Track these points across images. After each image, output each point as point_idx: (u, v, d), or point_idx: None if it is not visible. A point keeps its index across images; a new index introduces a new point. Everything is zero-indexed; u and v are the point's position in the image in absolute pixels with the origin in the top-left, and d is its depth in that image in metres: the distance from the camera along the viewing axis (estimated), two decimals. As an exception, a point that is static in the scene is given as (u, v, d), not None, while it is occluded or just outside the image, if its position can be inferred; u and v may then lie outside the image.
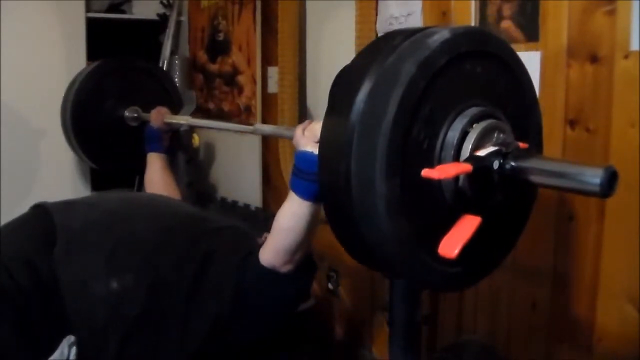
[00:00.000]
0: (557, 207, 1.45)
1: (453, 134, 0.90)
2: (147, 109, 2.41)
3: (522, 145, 0.92)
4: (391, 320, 1.40)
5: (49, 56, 2.89)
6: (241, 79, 2.82)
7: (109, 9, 3.23)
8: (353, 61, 0.96)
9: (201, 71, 3.15)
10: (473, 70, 0.94)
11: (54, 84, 2.80)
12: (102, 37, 3.07)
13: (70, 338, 1.24)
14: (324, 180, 0.94)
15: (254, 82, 2.71)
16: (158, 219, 1.46)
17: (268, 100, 2.64)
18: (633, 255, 1.29)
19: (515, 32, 1.52)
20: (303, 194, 1.21)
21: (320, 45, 2.35)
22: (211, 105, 3.08)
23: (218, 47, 2.99)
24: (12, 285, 1.23)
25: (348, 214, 0.89)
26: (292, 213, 1.25)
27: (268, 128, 1.66)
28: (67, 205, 1.46)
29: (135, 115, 2.55)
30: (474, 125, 0.91)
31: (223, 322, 1.33)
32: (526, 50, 1.49)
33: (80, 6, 2.94)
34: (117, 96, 2.56)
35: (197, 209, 1.69)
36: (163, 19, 3.28)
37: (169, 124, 2.26)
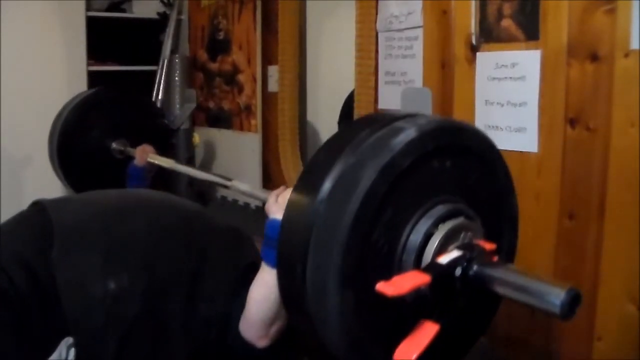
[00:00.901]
0: (557, 206, 1.44)
1: (416, 238, 0.86)
2: (136, 141, 2.40)
3: (489, 246, 0.88)
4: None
5: (49, 55, 2.89)
6: (241, 77, 2.82)
7: (109, 8, 3.23)
8: (318, 155, 0.91)
9: (201, 70, 3.15)
10: (442, 166, 0.90)
11: (54, 84, 2.81)
12: (103, 36, 3.07)
13: (69, 340, 1.23)
14: (280, 276, 0.91)
15: (254, 81, 2.71)
16: (156, 217, 1.46)
17: (268, 99, 2.64)
18: (633, 255, 1.29)
19: (516, 31, 1.51)
20: (274, 263, 1.19)
21: (320, 44, 2.35)
22: (211, 104, 3.08)
23: (218, 46, 2.99)
24: (9, 287, 1.22)
25: (303, 310, 0.86)
26: (264, 283, 1.22)
27: (244, 187, 1.63)
28: (64, 203, 1.45)
29: (122, 148, 2.52)
30: (439, 226, 0.86)
31: (218, 323, 1.32)
32: (526, 49, 1.49)
33: (81, 5, 2.95)
34: (105, 127, 2.54)
35: (195, 205, 1.68)
36: (163, 18, 3.28)
37: (152, 164, 2.25)
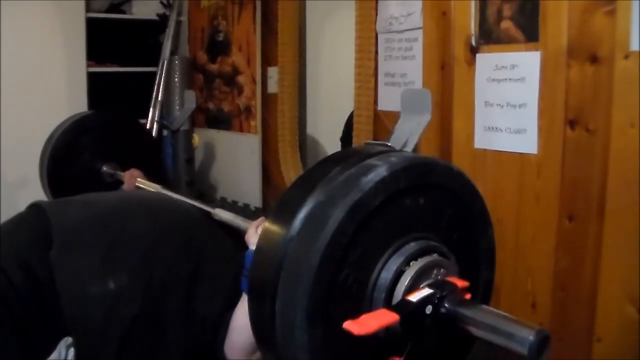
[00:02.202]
0: (557, 205, 1.45)
1: (386, 275, 0.85)
2: (126, 164, 2.39)
3: (461, 284, 0.88)
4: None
5: (48, 56, 2.89)
6: (241, 79, 2.83)
7: (109, 9, 3.23)
8: (291, 189, 0.92)
9: (201, 71, 3.15)
10: (414, 204, 0.89)
11: (54, 84, 2.81)
12: (102, 37, 3.07)
13: (68, 339, 1.23)
14: (251, 311, 0.91)
15: (254, 82, 2.72)
16: (153, 218, 1.46)
17: (268, 101, 2.64)
18: (633, 255, 1.29)
19: (515, 33, 1.52)
20: None
21: (320, 45, 2.35)
22: (211, 106, 3.08)
23: (218, 47, 2.99)
24: (8, 287, 1.22)
25: (272, 349, 0.86)
26: (245, 312, 1.24)
27: (226, 215, 1.65)
28: (63, 205, 1.45)
29: (112, 172, 2.50)
30: (411, 264, 0.86)
31: (216, 323, 1.33)
32: (526, 50, 1.49)
33: (80, 6, 2.95)
34: (95, 151, 2.51)
35: (192, 206, 1.68)
36: (163, 19, 3.28)
37: (140, 188, 2.25)
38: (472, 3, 1.61)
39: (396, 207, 0.86)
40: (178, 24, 3.26)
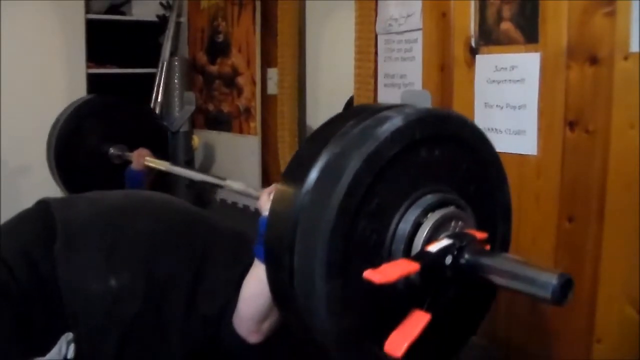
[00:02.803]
0: (557, 206, 1.45)
1: (404, 227, 0.84)
2: (133, 146, 2.41)
3: (480, 235, 0.88)
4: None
5: (48, 58, 2.89)
6: (241, 80, 2.83)
7: (109, 11, 3.23)
8: (305, 144, 0.93)
9: (201, 72, 3.16)
10: (430, 155, 0.88)
11: (54, 86, 2.81)
12: (102, 38, 3.07)
13: (69, 335, 1.23)
14: (269, 268, 0.90)
15: (254, 83, 2.72)
16: (157, 217, 1.46)
17: (267, 102, 2.64)
18: (633, 256, 1.29)
19: (515, 34, 1.52)
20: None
21: (320, 46, 2.35)
22: (211, 107, 3.08)
23: (218, 49, 3.00)
24: (11, 281, 1.22)
25: (291, 306, 0.86)
26: (257, 279, 1.22)
27: (237, 185, 1.64)
28: (69, 201, 1.46)
29: (120, 153, 2.53)
30: (428, 215, 0.85)
31: (217, 323, 1.33)
32: (526, 51, 1.49)
33: (80, 7, 2.95)
34: (102, 133, 2.54)
35: (197, 207, 1.69)
36: (162, 21, 3.28)
37: (149, 167, 2.26)
38: (472, 4, 1.62)
39: (412, 158, 0.86)
40: (178, 25, 3.26)
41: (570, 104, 1.41)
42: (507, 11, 1.54)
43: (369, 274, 0.77)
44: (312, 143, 0.90)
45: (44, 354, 1.22)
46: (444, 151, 0.90)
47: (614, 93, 1.31)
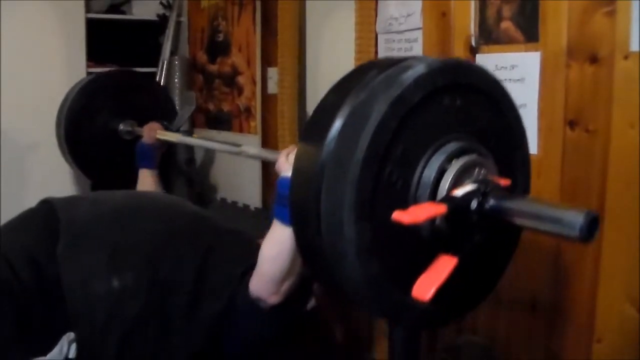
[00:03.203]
0: (557, 207, 1.45)
1: (429, 172, 0.87)
2: (143, 121, 2.43)
3: (503, 182, 0.89)
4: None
5: (49, 56, 2.89)
6: (241, 79, 2.83)
7: (109, 10, 3.23)
8: (327, 95, 0.93)
9: (201, 72, 3.15)
10: (452, 104, 0.90)
11: (53, 85, 2.80)
12: (102, 37, 3.07)
13: (70, 335, 1.24)
14: (295, 217, 0.91)
15: (254, 82, 2.72)
16: (161, 218, 1.47)
17: (268, 101, 2.64)
18: (633, 255, 1.29)
19: (515, 33, 1.52)
20: (285, 220, 1.19)
21: (320, 45, 2.35)
22: (211, 106, 3.08)
23: (218, 48, 2.99)
24: (13, 280, 1.23)
25: (319, 253, 0.87)
26: (276, 240, 1.24)
27: (254, 150, 1.66)
28: (72, 201, 1.46)
29: (130, 129, 2.55)
30: (452, 162, 0.87)
31: (220, 323, 1.33)
32: (526, 50, 1.49)
33: (80, 7, 2.94)
34: (111, 109, 2.57)
35: (199, 208, 1.69)
36: (163, 20, 3.28)
37: (161, 140, 2.27)
38: (472, 3, 1.62)
39: (435, 105, 0.88)
40: (178, 24, 3.26)
41: (570, 103, 1.41)
42: (507, 10, 1.54)
43: (397, 215, 0.79)
44: (335, 93, 0.92)
45: (45, 353, 1.22)
46: (465, 100, 0.92)
47: (614, 92, 1.31)
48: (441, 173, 0.87)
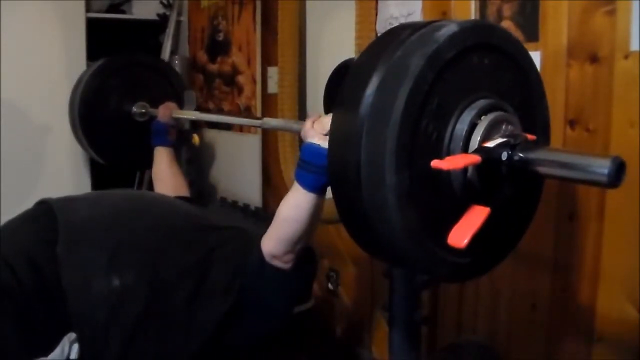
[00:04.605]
0: (557, 206, 1.45)
1: (462, 126, 0.91)
2: (154, 103, 2.45)
3: (529, 137, 0.93)
4: (391, 319, 1.40)
5: (49, 56, 2.89)
6: (241, 79, 2.83)
7: (109, 9, 3.23)
8: (361, 55, 0.97)
9: (201, 71, 3.16)
10: (480, 63, 0.95)
11: (54, 85, 2.81)
12: (102, 37, 3.07)
13: (71, 335, 1.24)
14: (334, 172, 0.95)
15: (254, 82, 2.72)
16: (161, 217, 1.47)
17: (268, 101, 2.64)
18: (633, 255, 1.29)
19: (515, 32, 1.52)
20: (307, 186, 1.21)
21: (320, 45, 2.35)
22: (211, 106, 3.08)
23: (218, 47, 2.99)
24: (13, 281, 1.23)
25: (358, 206, 0.90)
26: (296, 204, 1.25)
27: (276, 122, 1.68)
28: (71, 202, 1.46)
29: (143, 110, 2.59)
30: (482, 117, 0.92)
31: (226, 321, 1.33)
32: (526, 50, 1.49)
33: (80, 6, 2.94)
34: (124, 92, 2.60)
35: (200, 207, 1.69)
36: (163, 19, 3.28)
37: (177, 119, 2.30)
38: (472, 3, 1.62)
39: (466, 63, 0.92)
40: (178, 24, 3.26)
41: (570, 103, 1.41)
42: (507, 10, 1.54)
43: (437, 163, 0.84)
44: (369, 53, 0.96)
45: (46, 354, 1.22)
46: (492, 60, 0.97)
47: (614, 91, 1.31)
48: (472, 127, 0.91)
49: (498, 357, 1.57)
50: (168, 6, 3.28)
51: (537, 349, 1.52)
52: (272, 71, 2.57)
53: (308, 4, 2.40)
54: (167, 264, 1.34)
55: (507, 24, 1.54)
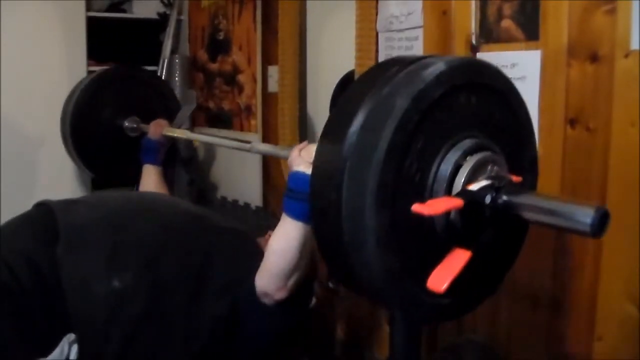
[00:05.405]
0: (557, 206, 1.44)
1: (446, 167, 0.90)
2: (146, 119, 2.43)
3: (515, 178, 0.92)
4: (392, 319, 1.40)
5: (49, 56, 2.90)
6: (241, 78, 2.82)
7: (109, 8, 3.23)
8: (349, 89, 0.96)
9: (201, 70, 3.15)
10: (468, 102, 0.94)
11: (54, 84, 2.81)
12: (103, 36, 3.07)
13: (71, 336, 1.24)
14: (315, 207, 0.93)
15: (254, 81, 2.71)
16: (160, 218, 1.47)
17: (268, 99, 2.64)
18: (633, 255, 1.29)
19: (516, 31, 1.51)
20: (295, 215, 1.20)
21: (320, 44, 2.35)
22: (211, 105, 3.08)
23: (218, 46, 2.99)
24: (13, 282, 1.23)
25: (337, 243, 0.89)
26: (284, 234, 1.24)
27: (264, 147, 1.66)
28: (70, 204, 1.46)
29: (135, 125, 2.56)
30: (467, 158, 0.91)
31: (223, 324, 1.33)
32: (526, 49, 1.49)
33: (81, 5, 2.95)
34: (116, 106, 2.58)
35: (199, 207, 1.69)
36: (163, 18, 3.28)
37: (167, 137, 2.27)
38: (473, 2, 1.61)
39: (453, 102, 0.92)
40: (178, 22, 3.26)
41: (570, 102, 1.41)
42: (507, 9, 1.53)
43: (417, 207, 0.82)
44: (356, 88, 0.95)
45: (45, 354, 1.22)
46: (480, 99, 0.96)
47: (614, 91, 1.31)
48: (457, 168, 0.90)
49: (498, 357, 1.57)
50: (168, 5, 3.28)
51: (537, 349, 1.52)
52: (273, 70, 2.57)
53: (308, 3, 2.40)
54: (166, 265, 1.34)
55: (507, 23, 1.54)
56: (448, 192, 0.89)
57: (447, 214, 0.88)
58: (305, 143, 1.26)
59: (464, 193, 0.88)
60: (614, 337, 1.36)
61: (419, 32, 1.80)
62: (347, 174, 0.86)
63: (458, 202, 0.85)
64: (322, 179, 0.91)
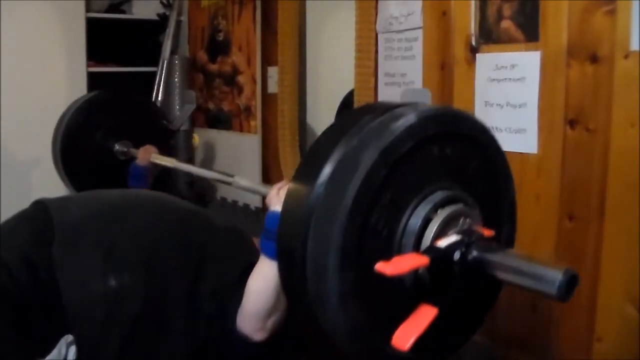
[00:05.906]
0: (557, 207, 1.45)
1: (415, 221, 0.87)
2: (139, 142, 2.42)
3: (487, 232, 0.90)
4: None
5: (48, 56, 2.89)
6: (241, 79, 2.83)
7: (109, 9, 3.23)
8: (321, 137, 0.93)
9: (201, 71, 3.15)
10: (441, 153, 0.91)
11: (53, 85, 2.81)
12: (102, 37, 3.07)
13: (69, 337, 1.23)
14: (281, 260, 0.91)
15: (254, 82, 2.71)
16: (156, 216, 1.46)
17: (268, 100, 2.64)
18: (633, 256, 1.29)
19: (515, 32, 1.52)
20: (272, 255, 1.18)
21: (320, 45, 2.35)
22: (211, 105, 3.08)
23: (218, 47, 2.99)
24: (9, 282, 1.22)
25: (303, 296, 0.87)
26: (262, 275, 1.23)
27: (245, 182, 1.65)
28: (66, 202, 1.45)
29: (125, 149, 2.53)
30: (438, 211, 0.88)
31: (219, 322, 1.33)
32: (526, 50, 1.49)
33: (80, 6, 2.95)
34: (108, 129, 2.55)
35: (194, 205, 1.68)
36: (163, 19, 3.28)
37: (155, 164, 2.27)
38: (472, 3, 1.61)
39: (424, 154, 0.89)
40: (178, 23, 3.26)
41: (570, 103, 1.41)
42: (507, 10, 1.54)
43: (381, 266, 0.79)
44: (327, 136, 0.92)
45: (43, 355, 1.22)
46: (454, 149, 0.93)
47: (614, 91, 1.31)
48: (426, 222, 0.87)
49: (498, 358, 1.57)
50: (168, 6, 3.28)
51: (537, 349, 1.52)
52: (272, 71, 2.57)
53: (308, 4, 2.40)
54: (163, 263, 1.34)
55: (507, 24, 1.54)
56: (416, 247, 0.86)
57: (416, 269, 0.85)
58: (284, 182, 1.26)
59: (431, 250, 0.85)
60: (614, 337, 1.36)
61: (419, 33, 1.80)
62: (312, 230, 0.83)
63: (424, 260, 0.82)
64: (289, 230, 0.88)
